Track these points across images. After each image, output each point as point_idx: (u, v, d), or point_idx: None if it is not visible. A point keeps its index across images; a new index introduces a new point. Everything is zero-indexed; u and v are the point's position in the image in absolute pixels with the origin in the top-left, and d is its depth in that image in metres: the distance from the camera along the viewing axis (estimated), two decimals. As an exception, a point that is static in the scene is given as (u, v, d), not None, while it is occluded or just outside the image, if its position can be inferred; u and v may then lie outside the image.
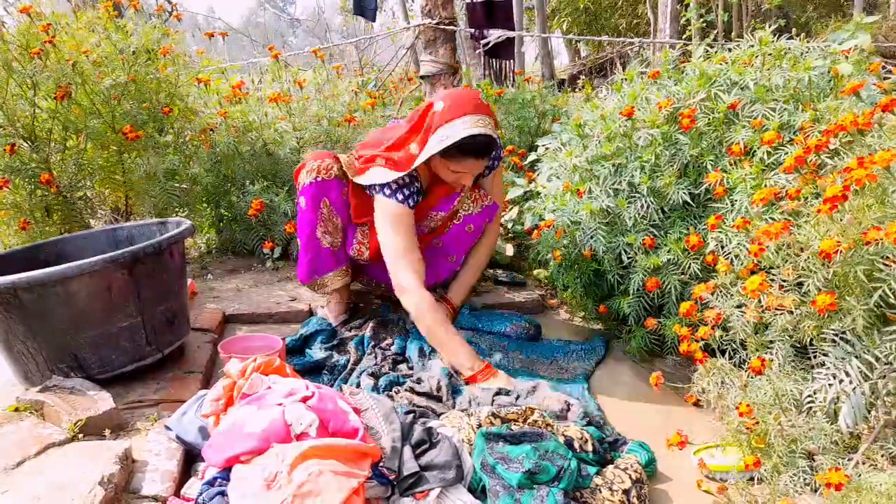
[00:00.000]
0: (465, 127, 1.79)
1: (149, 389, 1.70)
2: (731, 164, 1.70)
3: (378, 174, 1.96)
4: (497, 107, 3.87)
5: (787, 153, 1.58)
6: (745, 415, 1.25)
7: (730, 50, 1.98)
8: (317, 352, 2.02)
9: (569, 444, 1.40)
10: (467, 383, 1.78)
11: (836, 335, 1.28)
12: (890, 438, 1.23)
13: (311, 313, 2.32)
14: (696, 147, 1.81)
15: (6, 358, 1.67)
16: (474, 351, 1.83)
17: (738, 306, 1.39)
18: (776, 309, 1.28)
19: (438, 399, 1.68)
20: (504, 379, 1.77)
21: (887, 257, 1.18)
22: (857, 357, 1.25)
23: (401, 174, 1.91)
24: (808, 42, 1.89)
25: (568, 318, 2.41)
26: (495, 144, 1.89)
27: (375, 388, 1.74)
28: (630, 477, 1.35)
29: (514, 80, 5.73)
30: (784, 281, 1.30)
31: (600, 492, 1.31)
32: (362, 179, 1.98)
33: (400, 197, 1.94)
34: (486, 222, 2.16)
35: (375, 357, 1.94)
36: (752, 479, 1.31)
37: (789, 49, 1.86)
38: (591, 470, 1.36)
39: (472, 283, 2.26)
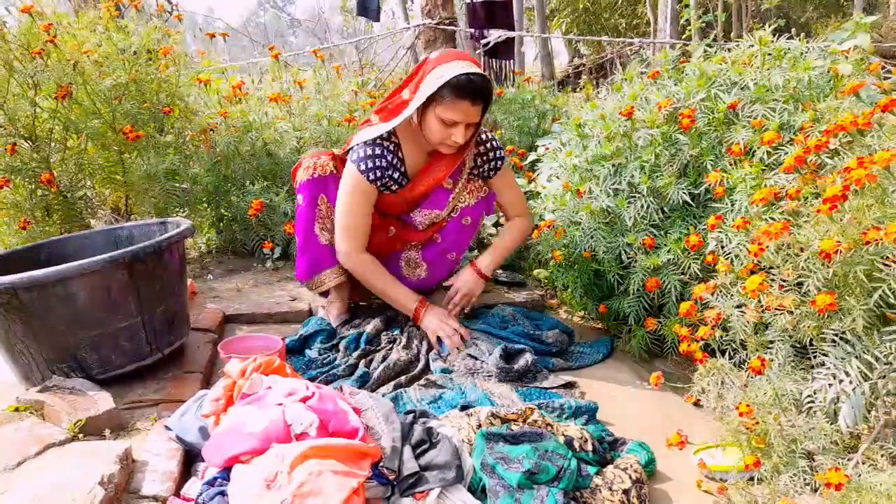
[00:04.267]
0: (460, 67, 1.79)
1: (149, 389, 1.70)
2: (731, 164, 1.70)
3: (362, 134, 1.96)
4: (497, 107, 3.87)
5: (787, 153, 1.58)
6: (745, 415, 1.25)
7: (729, 50, 1.98)
8: (316, 352, 2.02)
9: (568, 443, 1.40)
10: (414, 321, 2.04)
11: (836, 335, 1.28)
12: (890, 438, 1.23)
13: (311, 313, 2.32)
14: (695, 147, 1.81)
15: (6, 358, 1.67)
16: (412, 292, 2.04)
17: (738, 306, 1.39)
18: (776, 309, 1.28)
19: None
20: (441, 312, 2.01)
21: (887, 257, 1.18)
22: (856, 357, 1.25)
23: (385, 127, 1.89)
24: (807, 42, 1.89)
25: (568, 318, 2.41)
26: (490, 92, 1.84)
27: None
28: (630, 477, 1.34)
29: (513, 80, 5.73)
30: (784, 281, 1.30)
31: (600, 492, 1.31)
32: (352, 145, 2.00)
33: (362, 167, 1.92)
34: (483, 214, 2.14)
35: (387, 354, 1.95)
36: (752, 479, 1.31)
37: (789, 49, 1.86)
38: (591, 470, 1.36)
39: (507, 251, 2.15)
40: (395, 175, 1.99)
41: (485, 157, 2.08)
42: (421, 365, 1.93)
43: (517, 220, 2.18)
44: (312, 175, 2.04)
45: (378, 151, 1.94)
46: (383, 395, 1.67)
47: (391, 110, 1.93)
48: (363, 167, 1.93)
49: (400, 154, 1.99)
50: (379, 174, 1.94)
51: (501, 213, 2.26)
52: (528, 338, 2.04)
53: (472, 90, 1.79)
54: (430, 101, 1.82)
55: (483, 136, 2.07)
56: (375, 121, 1.98)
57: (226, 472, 1.24)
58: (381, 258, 2.10)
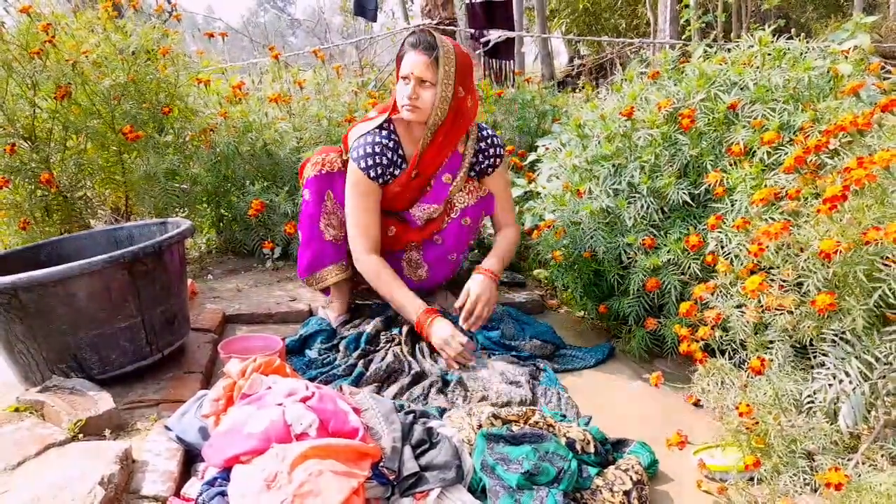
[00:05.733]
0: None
1: (149, 389, 1.70)
2: (730, 164, 1.70)
3: (359, 128, 2.04)
4: (497, 107, 3.88)
5: (786, 153, 1.58)
6: (744, 415, 1.25)
7: (729, 50, 1.98)
8: (316, 352, 2.02)
9: (570, 445, 1.40)
10: (417, 332, 1.96)
11: (836, 335, 1.28)
12: (890, 438, 1.23)
13: (311, 313, 2.32)
14: (695, 147, 1.81)
15: (6, 358, 1.67)
16: (419, 299, 1.97)
17: (738, 306, 1.39)
18: (776, 309, 1.28)
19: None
20: (446, 326, 1.89)
21: (887, 257, 1.18)
22: (856, 357, 1.25)
23: (381, 117, 1.99)
24: (807, 42, 1.89)
25: (568, 318, 2.41)
26: (435, 45, 1.87)
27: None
28: (631, 478, 1.34)
29: (513, 80, 5.74)
30: (784, 281, 1.30)
31: (601, 493, 1.31)
32: (351, 142, 2.05)
33: (363, 164, 1.96)
34: (482, 214, 2.15)
35: (385, 354, 1.94)
36: (751, 479, 1.31)
37: (789, 49, 1.86)
38: (592, 471, 1.36)
39: (509, 256, 2.16)
40: (395, 159, 2.02)
41: (485, 154, 2.10)
42: (414, 370, 1.88)
43: (508, 230, 2.17)
44: (320, 171, 2.06)
45: (376, 139, 1.98)
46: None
47: (386, 106, 2.03)
48: (363, 165, 1.97)
49: (395, 137, 2.02)
50: (380, 171, 1.98)
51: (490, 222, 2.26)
52: (504, 348, 2.03)
53: (415, 41, 1.88)
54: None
55: (485, 133, 2.11)
56: (373, 114, 2.06)
57: (226, 472, 1.24)
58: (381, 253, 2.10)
